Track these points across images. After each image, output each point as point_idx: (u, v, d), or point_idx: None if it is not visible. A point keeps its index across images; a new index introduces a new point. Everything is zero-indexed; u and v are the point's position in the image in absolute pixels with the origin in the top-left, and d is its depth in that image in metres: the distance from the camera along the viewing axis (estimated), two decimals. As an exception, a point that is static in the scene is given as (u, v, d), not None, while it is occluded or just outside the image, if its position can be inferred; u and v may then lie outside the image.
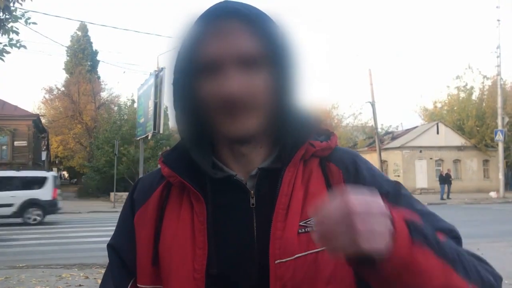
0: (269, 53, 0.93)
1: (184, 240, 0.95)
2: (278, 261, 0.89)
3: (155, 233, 0.99)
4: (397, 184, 1.01)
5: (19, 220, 16.41)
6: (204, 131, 0.99)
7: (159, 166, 1.06)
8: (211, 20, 0.93)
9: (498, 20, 29.98)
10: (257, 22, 0.93)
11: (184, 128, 1.00)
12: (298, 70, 0.97)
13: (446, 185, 27.80)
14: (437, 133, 36.63)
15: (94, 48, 53.01)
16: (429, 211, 0.98)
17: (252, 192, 0.96)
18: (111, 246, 1.06)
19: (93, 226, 15.50)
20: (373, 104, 30.30)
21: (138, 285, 1.00)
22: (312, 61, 0.97)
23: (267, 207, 0.94)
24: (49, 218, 16.99)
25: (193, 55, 0.94)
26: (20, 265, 8.70)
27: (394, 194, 0.97)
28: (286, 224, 0.92)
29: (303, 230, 0.92)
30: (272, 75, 0.94)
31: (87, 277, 7.56)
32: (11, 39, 7.13)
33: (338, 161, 1.00)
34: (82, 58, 50.57)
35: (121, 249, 1.04)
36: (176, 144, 1.05)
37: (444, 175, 28.70)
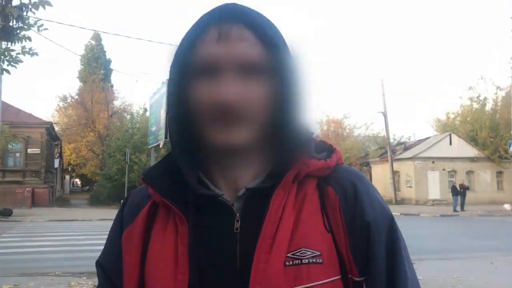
0: (271, 63, 0.87)
1: (167, 263, 0.88)
2: None
3: (141, 256, 0.93)
4: (391, 220, 0.89)
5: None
6: (193, 140, 0.92)
7: None
8: (215, 21, 0.87)
9: (512, 31, 29.76)
10: (263, 29, 0.87)
11: (176, 133, 0.93)
12: (299, 84, 0.90)
13: (459, 197, 27.40)
14: (450, 144, 36.28)
15: (107, 57, 53.72)
16: (405, 274, 0.85)
17: (238, 215, 0.88)
18: (99, 264, 1.00)
19: (104, 234, 15.47)
20: (385, 114, 30.21)
21: None
22: (315, 78, 0.91)
23: (253, 233, 0.85)
24: (59, 224, 16.91)
25: (192, 55, 0.87)
26: (30, 272, 8.70)
27: (378, 225, 0.86)
28: (271, 256, 0.82)
29: (290, 262, 0.82)
30: (271, 87, 0.87)
31: (95, 286, 7.53)
32: (23, 47, 7.19)
33: (337, 184, 0.90)
34: (95, 66, 51.22)
35: (109, 268, 0.98)
36: (160, 160, 0.99)
37: (457, 186, 28.27)
